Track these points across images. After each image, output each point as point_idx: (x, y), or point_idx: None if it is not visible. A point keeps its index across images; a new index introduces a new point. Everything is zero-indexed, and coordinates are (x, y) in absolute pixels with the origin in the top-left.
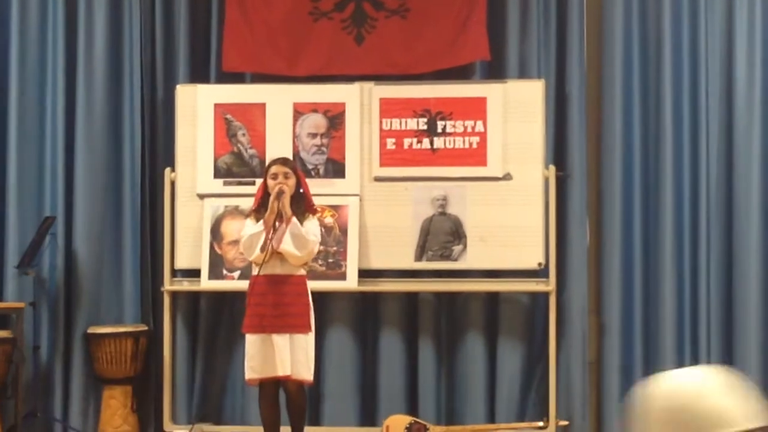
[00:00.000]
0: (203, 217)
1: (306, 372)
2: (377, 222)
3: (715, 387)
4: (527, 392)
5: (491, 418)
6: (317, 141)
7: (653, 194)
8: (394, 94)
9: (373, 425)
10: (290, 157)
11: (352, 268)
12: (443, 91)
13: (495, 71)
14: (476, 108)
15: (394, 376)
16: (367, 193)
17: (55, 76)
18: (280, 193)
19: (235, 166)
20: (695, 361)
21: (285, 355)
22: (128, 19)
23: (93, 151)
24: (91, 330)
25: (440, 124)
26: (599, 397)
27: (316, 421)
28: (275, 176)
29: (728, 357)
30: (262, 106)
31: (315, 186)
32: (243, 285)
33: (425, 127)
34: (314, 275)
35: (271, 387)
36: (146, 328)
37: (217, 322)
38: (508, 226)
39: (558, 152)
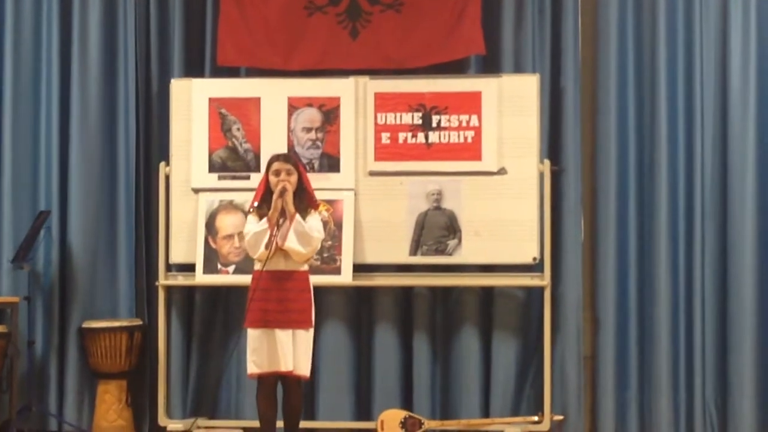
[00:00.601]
0: (198, 212)
1: (305, 368)
2: (372, 216)
3: None
4: (522, 387)
5: (486, 412)
6: (312, 135)
7: (648, 188)
8: (389, 88)
9: (368, 420)
10: (285, 151)
11: (346, 263)
12: (438, 86)
13: (490, 65)
14: (471, 102)
15: (389, 371)
16: (362, 187)
17: (49, 71)
18: (284, 191)
19: (230, 160)
20: (690, 354)
21: (288, 350)
22: (123, 12)
23: (87, 145)
24: (86, 324)
25: (435, 119)
26: (594, 391)
27: (311, 416)
28: (278, 173)
29: (722, 351)
30: (256, 101)
31: (310, 180)
32: (238, 279)
33: (420, 122)
34: (309, 270)
35: (271, 382)
36: (141, 322)
37: (212, 316)
38: (503, 220)
39: (553, 146)
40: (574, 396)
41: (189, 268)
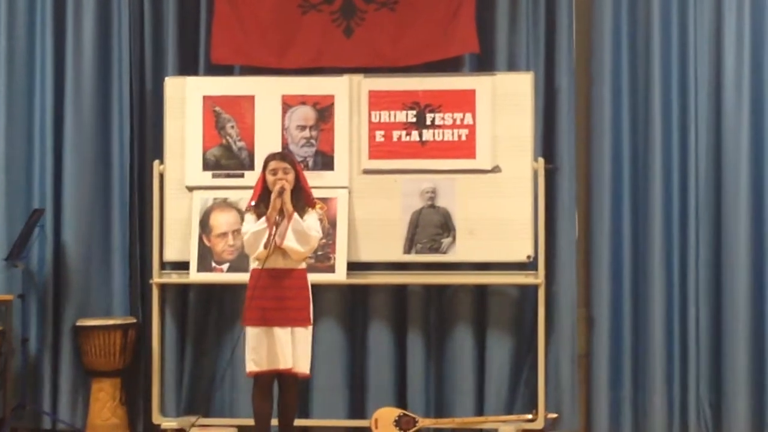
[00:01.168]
0: (192, 210)
1: (305, 365)
2: (366, 215)
3: None
4: (516, 385)
5: (480, 410)
6: (306, 133)
7: (642, 187)
8: (383, 86)
9: (362, 418)
10: (279, 149)
11: (341, 261)
12: (432, 84)
13: (484, 64)
14: (465, 100)
15: (383, 369)
16: (356, 185)
17: (43, 69)
18: (282, 190)
19: (224, 158)
20: (684, 353)
21: (287, 348)
22: (117, 11)
23: (82, 143)
24: (80, 322)
25: (429, 117)
26: (588, 389)
27: (305, 414)
28: (275, 172)
29: (716, 350)
30: (251, 99)
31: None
32: (232, 277)
33: (414, 120)
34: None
35: (268, 380)
36: (135, 320)
37: (206, 314)
38: (497, 218)
39: (547, 145)
40: (569, 394)
41: (183, 266)
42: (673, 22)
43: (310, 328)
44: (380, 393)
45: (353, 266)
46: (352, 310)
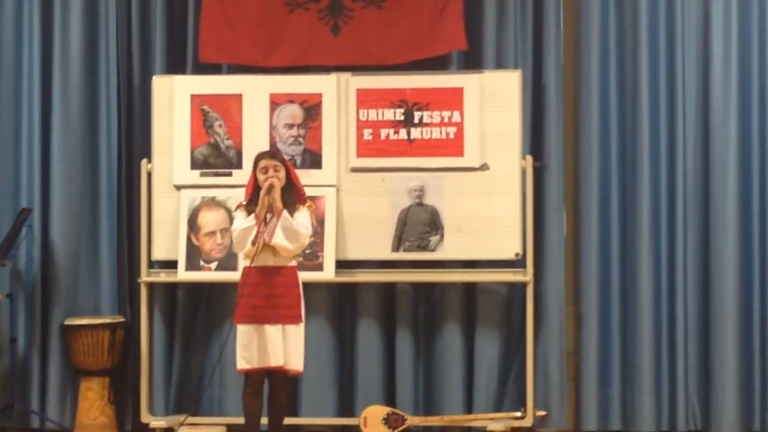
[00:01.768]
0: (180, 209)
1: (298, 362)
2: (354, 213)
3: None
4: (505, 382)
5: (469, 408)
6: (294, 132)
7: (630, 184)
8: (371, 84)
9: (351, 416)
10: (267, 148)
11: (329, 259)
12: (420, 82)
13: (472, 61)
14: (453, 98)
15: (372, 367)
16: (344, 183)
17: (30, 67)
18: (271, 187)
19: (212, 157)
20: (672, 350)
21: (278, 345)
22: (104, 9)
23: (69, 142)
24: (68, 321)
25: (417, 115)
26: (577, 386)
27: (294, 412)
28: (265, 170)
29: (705, 346)
30: (238, 97)
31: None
32: (220, 276)
33: (402, 118)
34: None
35: (259, 378)
36: (123, 319)
37: (194, 313)
38: (486, 216)
39: (535, 142)
40: (557, 391)
41: (171, 265)
42: (661, 19)
43: (302, 325)
44: (369, 391)
45: (341, 264)
46: (340, 309)
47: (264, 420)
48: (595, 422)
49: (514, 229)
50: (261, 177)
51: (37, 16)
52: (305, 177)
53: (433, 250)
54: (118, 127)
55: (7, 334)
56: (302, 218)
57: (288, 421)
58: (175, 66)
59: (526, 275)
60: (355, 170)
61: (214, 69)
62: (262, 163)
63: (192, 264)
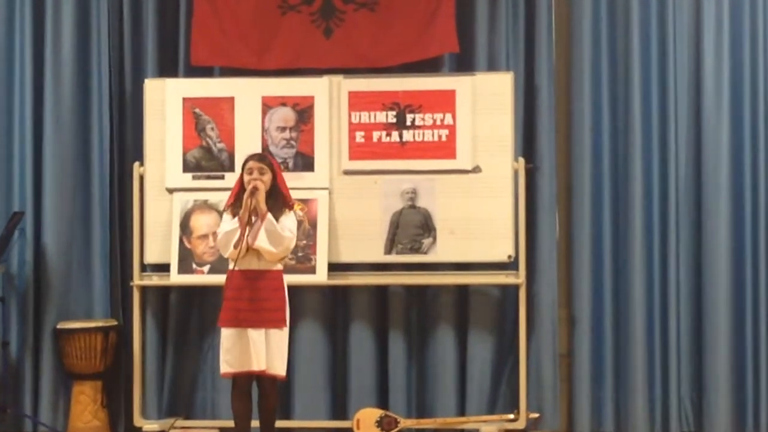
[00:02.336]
0: (172, 212)
1: (280, 367)
2: (347, 215)
3: None
4: (498, 385)
5: (462, 410)
6: (286, 135)
7: (622, 186)
8: (363, 87)
9: (344, 419)
10: (259, 150)
11: (321, 262)
12: (412, 84)
13: (464, 64)
14: (445, 101)
15: (365, 370)
16: (337, 186)
17: (22, 71)
18: (254, 189)
19: (204, 160)
20: (665, 351)
21: (261, 349)
22: (96, 13)
23: (61, 146)
24: (61, 325)
25: (409, 117)
26: (570, 389)
27: (286, 416)
28: (251, 171)
29: (697, 348)
30: (230, 100)
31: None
32: (213, 279)
33: (394, 120)
34: (284, 269)
35: (245, 381)
36: (116, 323)
37: (187, 316)
38: (478, 218)
39: (527, 144)
40: (550, 394)
41: (164, 268)
42: (652, 21)
43: (286, 329)
44: (362, 393)
45: (334, 267)
46: (333, 311)
47: (256, 423)
48: (588, 424)
49: (506, 232)
50: (246, 178)
51: (28, 19)
52: (298, 180)
53: (425, 253)
54: (110, 130)
55: (0, 338)
56: (288, 222)
57: (281, 423)
58: (167, 69)
59: (519, 277)
60: (347, 173)
61: (206, 72)
62: (249, 164)
63: (184, 267)
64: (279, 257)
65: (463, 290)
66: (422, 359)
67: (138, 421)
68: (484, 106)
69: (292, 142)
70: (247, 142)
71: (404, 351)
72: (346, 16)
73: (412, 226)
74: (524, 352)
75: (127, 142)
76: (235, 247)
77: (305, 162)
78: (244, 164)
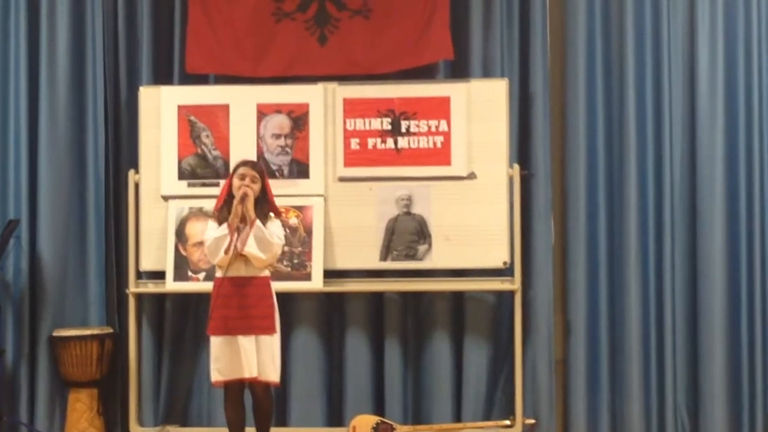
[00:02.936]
0: (168, 219)
1: (273, 373)
2: (342, 222)
3: None
4: (494, 391)
5: (458, 417)
6: (281, 142)
7: (617, 192)
8: (358, 94)
9: (340, 425)
10: (255, 158)
11: (317, 269)
12: (407, 91)
13: (458, 71)
14: (440, 107)
15: (361, 376)
16: (332, 193)
17: (17, 79)
18: (245, 196)
19: (199, 167)
20: (661, 357)
21: (251, 356)
22: (91, 21)
23: (56, 153)
24: (57, 333)
25: (404, 124)
26: (565, 395)
27: (282, 422)
28: (242, 177)
29: (693, 355)
30: (225, 108)
31: (279, 187)
32: (208, 286)
33: (389, 127)
34: (279, 276)
35: (237, 389)
36: (111, 330)
37: (183, 323)
38: (473, 225)
39: (522, 151)
40: (546, 400)
41: (159, 275)
42: (647, 27)
43: (276, 336)
44: (358, 400)
45: (329, 274)
46: (328, 318)
47: (251, 430)
48: (583, 430)
49: (501, 238)
50: (236, 183)
51: (23, 27)
52: (293, 187)
53: (421, 259)
54: (106, 138)
55: None
56: (275, 228)
57: (276, 431)
58: (162, 77)
59: (514, 284)
60: (342, 180)
61: (201, 79)
62: (241, 170)
63: (180, 274)
64: (267, 263)
65: (458, 296)
66: (418, 365)
67: (134, 428)
68: (479, 112)
69: (287, 149)
70: (242, 149)
71: (400, 357)
72: (341, 23)
73: (407, 233)
74: (520, 359)
75: (122, 150)
76: (226, 253)
77: (300, 169)
78: (234, 170)
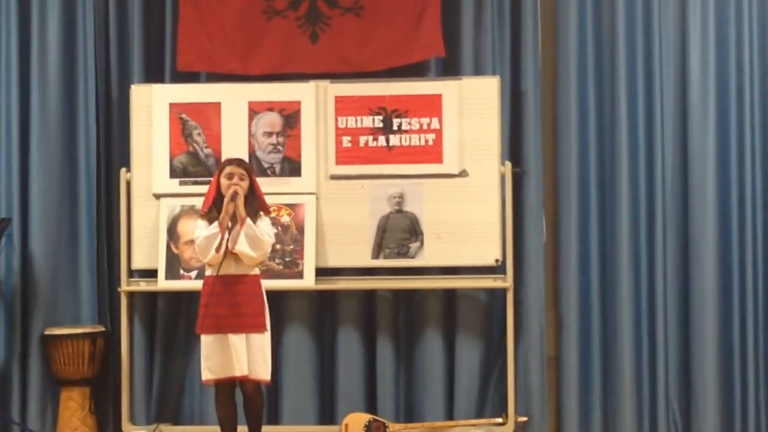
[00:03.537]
0: (159, 217)
1: (263, 371)
2: (334, 220)
3: None
4: (486, 389)
5: (450, 414)
6: (273, 140)
7: (609, 189)
8: (350, 92)
9: (332, 424)
10: (246, 156)
11: (309, 267)
12: (398, 89)
13: (450, 68)
14: (431, 105)
15: (353, 374)
16: (324, 191)
17: (8, 77)
18: (235, 195)
19: (191, 165)
20: (653, 354)
21: (242, 355)
22: (82, 18)
23: (48, 152)
24: (48, 331)
25: (396, 122)
26: (558, 392)
27: (274, 420)
28: (230, 176)
29: (685, 352)
30: (217, 106)
31: (271, 185)
32: (200, 285)
33: (381, 125)
34: (271, 274)
35: (228, 387)
36: (103, 328)
37: (175, 322)
38: (465, 222)
39: (514, 148)
40: (538, 397)
41: (151, 273)
42: (638, 24)
43: (267, 334)
44: (350, 398)
45: (321, 272)
46: (320, 316)
47: (244, 428)
48: (576, 428)
49: (493, 235)
50: (225, 183)
51: (14, 25)
52: (284, 185)
53: (413, 257)
54: (97, 136)
55: None
56: (265, 227)
57: (268, 429)
58: (154, 75)
59: (506, 281)
60: (334, 177)
61: (192, 77)
62: (228, 169)
63: (172, 273)
64: (257, 261)
65: (450, 294)
66: (410, 363)
67: (126, 427)
68: (470, 110)
69: (279, 147)
70: (233, 147)
71: (392, 355)
72: (332, 21)
73: (399, 231)
74: (512, 356)
75: (114, 148)
76: (217, 251)
77: (292, 167)
78: (221, 169)
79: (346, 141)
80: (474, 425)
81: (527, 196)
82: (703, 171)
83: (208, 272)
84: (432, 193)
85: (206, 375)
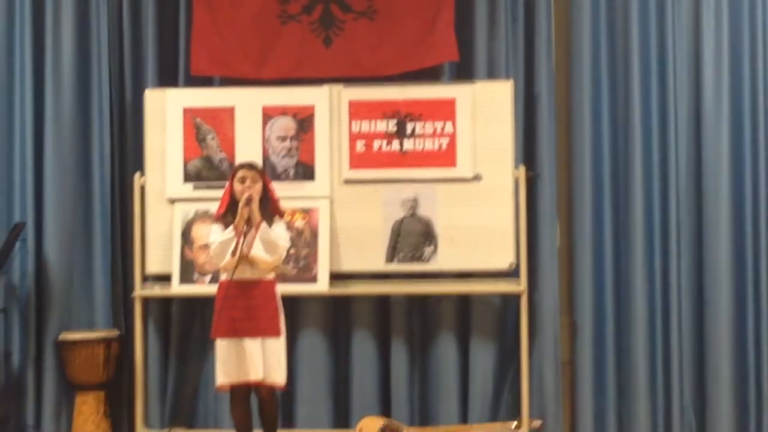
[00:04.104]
0: (173, 222)
1: (279, 376)
2: (348, 224)
3: None
4: (500, 393)
5: (464, 418)
6: (287, 144)
7: (623, 193)
8: (363, 96)
9: (347, 427)
10: (260, 160)
11: (323, 272)
12: (412, 93)
13: (463, 72)
14: (445, 109)
15: (367, 379)
16: (337, 195)
17: (23, 82)
18: (250, 199)
19: (205, 170)
20: (667, 359)
21: (257, 359)
22: (96, 23)
23: (62, 156)
24: (63, 336)
25: (409, 126)
26: (572, 396)
27: (289, 425)
28: (243, 180)
29: (700, 355)
30: (231, 110)
31: (285, 189)
32: (214, 289)
33: (395, 129)
34: (285, 279)
35: (243, 392)
36: (118, 333)
37: (189, 326)
38: (479, 227)
39: (527, 152)
40: (552, 401)
41: (165, 278)
42: (652, 27)
43: (282, 338)
44: (364, 402)
45: (335, 276)
46: (334, 321)
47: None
48: (590, 431)
49: (507, 240)
50: (238, 188)
51: (28, 30)
52: (298, 189)
53: (426, 261)
54: (111, 140)
55: (2, 349)
56: (280, 231)
57: None
58: (167, 79)
59: (520, 285)
60: (348, 182)
61: (206, 82)
62: (241, 173)
63: (186, 277)
64: (272, 266)
65: (464, 299)
66: (424, 367)
67: (140, 431)
68: (484, 114)
69: (293, 152)
70: (247, 151)
71: (406, 359)
72: (346, 25)
73: (413, 235)
74: (526, 360)
75: (128, 153)
76: (232, 255)
77: (306, 171)
78: (233, 174)
79: (360, 145)
80: (488, 429)
81: (541, 200)
82: (717, 173)
83: (224, 277)
84: (446, 198)
85: (222, 379)
